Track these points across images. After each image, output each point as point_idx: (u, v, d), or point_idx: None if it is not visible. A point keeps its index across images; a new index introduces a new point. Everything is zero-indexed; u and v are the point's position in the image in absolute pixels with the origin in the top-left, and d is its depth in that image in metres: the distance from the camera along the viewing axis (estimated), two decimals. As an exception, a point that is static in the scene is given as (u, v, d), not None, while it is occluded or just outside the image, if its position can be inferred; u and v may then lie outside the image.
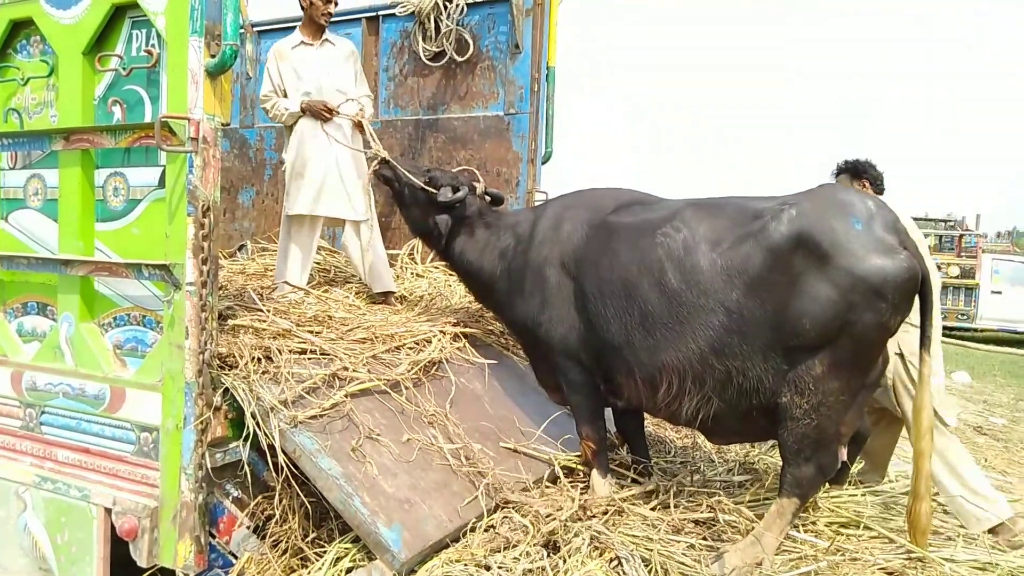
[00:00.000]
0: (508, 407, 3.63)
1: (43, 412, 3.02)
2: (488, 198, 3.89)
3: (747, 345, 2.82)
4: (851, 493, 3.40)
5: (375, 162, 3.96)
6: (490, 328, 4.13)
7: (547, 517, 2.84)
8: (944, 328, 15.68)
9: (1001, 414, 7.93)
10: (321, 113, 4.27)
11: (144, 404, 2.76)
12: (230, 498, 2.80)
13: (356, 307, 4.18)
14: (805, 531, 3.07)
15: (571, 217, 3.45)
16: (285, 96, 4.42)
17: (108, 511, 2.78)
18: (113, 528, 2.75)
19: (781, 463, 2.97)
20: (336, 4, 4.58)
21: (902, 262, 2.69)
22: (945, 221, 20.80)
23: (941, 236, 18.59)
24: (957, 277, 15.97)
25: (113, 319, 2.95)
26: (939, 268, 16.35)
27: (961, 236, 17.34)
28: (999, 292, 15.39)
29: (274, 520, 2.70)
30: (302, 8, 4.50)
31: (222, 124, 2.66)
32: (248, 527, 2.81)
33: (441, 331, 3.79)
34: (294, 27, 5.83)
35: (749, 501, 3.18)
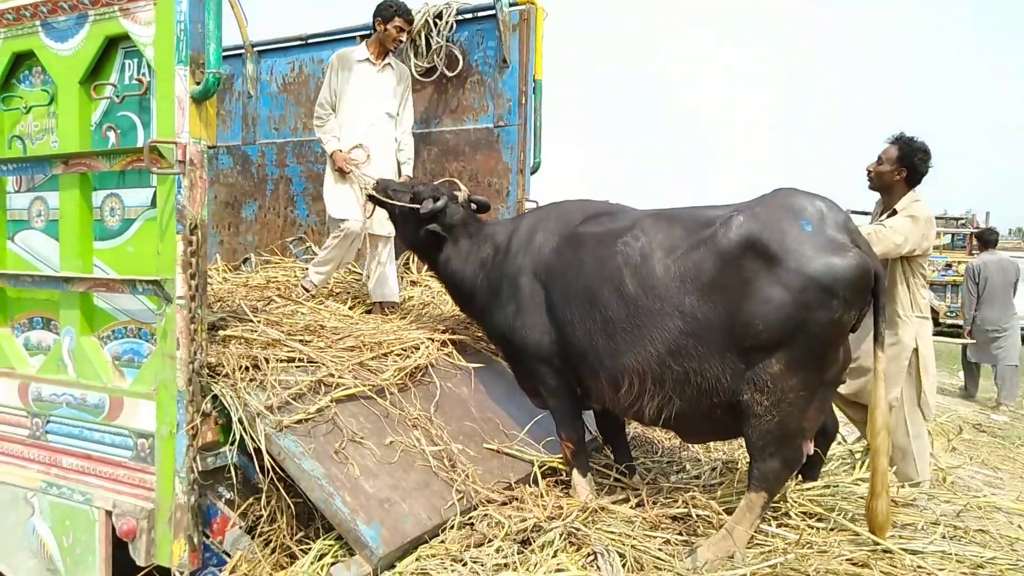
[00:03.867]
0: (493, 410, 3.76)
1: (48, 421, 3.20)
2: (474, 205, 4.02)
3: (702, 347, 2.94)
4: (824, 485, 3.48)
5: (364, 192, 4.22)
6: (479, 335, 4.26)
7: (523, 514, 2.96)
8: (956, 326, 15.63)
9: (1004, 411, 7.95)
10: (342, 167, 4.63)
11: (140, 412, 2.93)
12: (223, 500, 2.95)
13: (349, 317, 4.33)
14: (778, 524, 3.17)
15: (543, 228, 3.60)
16: (334, 109, 4.75)
17: (109, 514, 2.94)
18: (114, 529, 2.92)
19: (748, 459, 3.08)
20: (409, 35, 4.96)
21: (852, 259, 2.79)
22: (957, 219, 20.68)
23: (953, 235, 18.50)
24: (969, 275, 15.85)
25: (111, 332, 3.11)
26: (950, 267, 16.30)
27: (971, 234, 17.22)
28: (1012, 289, 15.26)
29: (262, 520, 2.85)
30: (374, 29, 4.82)
31: (208, 147, 2.82)
32: (241, 527, 2.96)
33: (429, 338, 3.93)
34: (292, 47, 6.10)
35: (721, 496, 3.28)
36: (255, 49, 6.21)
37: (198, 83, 2.75)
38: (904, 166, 3.92)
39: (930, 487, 3.97)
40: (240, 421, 2.76)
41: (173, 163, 2.76)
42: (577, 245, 3.40)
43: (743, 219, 2.93)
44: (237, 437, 2.77)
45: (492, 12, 5.08)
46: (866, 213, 4.78)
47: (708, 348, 2.95)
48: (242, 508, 2.96)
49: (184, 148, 2.75)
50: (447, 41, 5.24)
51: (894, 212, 3.91)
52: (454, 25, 5.23)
